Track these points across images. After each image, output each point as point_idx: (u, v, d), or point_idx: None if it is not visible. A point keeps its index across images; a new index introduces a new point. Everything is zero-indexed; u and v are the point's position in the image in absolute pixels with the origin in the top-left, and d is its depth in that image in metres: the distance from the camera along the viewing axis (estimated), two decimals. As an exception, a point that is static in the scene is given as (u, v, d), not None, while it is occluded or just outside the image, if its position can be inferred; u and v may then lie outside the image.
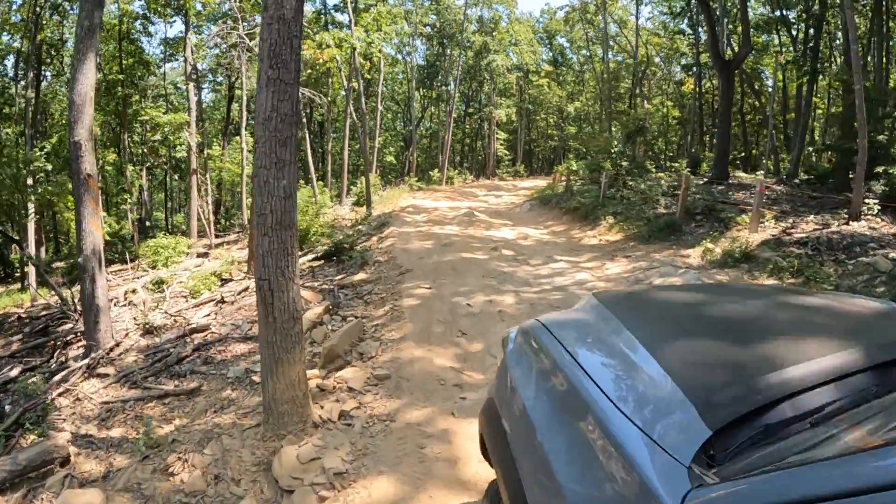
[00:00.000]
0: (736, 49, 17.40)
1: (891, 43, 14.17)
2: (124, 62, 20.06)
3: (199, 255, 14.11)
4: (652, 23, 28.27)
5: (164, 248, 13.53)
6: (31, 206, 14.98)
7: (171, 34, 35.71)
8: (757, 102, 21.76)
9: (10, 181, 13.73)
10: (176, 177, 25.83)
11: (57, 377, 5.78)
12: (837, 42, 18.80)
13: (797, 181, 13.49)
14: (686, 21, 22.40)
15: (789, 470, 0.74)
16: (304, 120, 22.08)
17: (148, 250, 13.77)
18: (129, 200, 20.99)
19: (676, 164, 16.14)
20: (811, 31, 16.26)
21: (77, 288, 7.37)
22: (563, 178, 16.29)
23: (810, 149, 18.13)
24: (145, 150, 21.61)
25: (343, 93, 21.40)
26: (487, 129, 32.02)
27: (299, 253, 9.59)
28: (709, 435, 0.86)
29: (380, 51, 20.28)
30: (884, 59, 13.87)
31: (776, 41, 20.88)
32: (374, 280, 6.96)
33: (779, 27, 19.46)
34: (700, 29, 21.19)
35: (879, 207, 8.14)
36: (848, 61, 10.72)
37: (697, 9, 19.36)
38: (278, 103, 2.75)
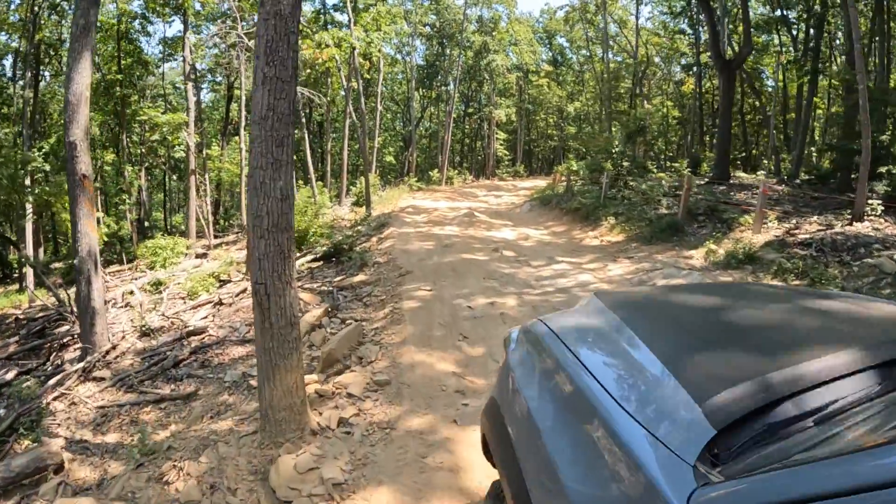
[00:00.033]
0: (736, 49, 17.35)
1: (892, 43, 14.09)
2: (123, 62, 19.98)
3: (197, 256, 14.03)
4: (652, 23, 28.24)
5: (163, 248, 13.44)
6: (28, 207, 14.90)
7: (170, 34, 35.65)
8: (757, 102, 21.69)
9: (7, 182, 13.63)
10: (175, 177, 25.74)
11: (52, 381, 5.70)
12: (837, 42, 18.76)
13: (798, 181, 13.43)
14: (686, 21, 22.35)
15: (793, 468, 0.75)
16: (304, 120, 22.00)
17: (146, 251, 13.68)
18: (127, 201, 20.92)
19: (676, 165, 16.09)
20: (812, 30, 16.21)
21: (74, 289, 7.29)
22: (564, 178, 16.21)
23: (812, 149, 18.07)
24: (144, 151, 21.53)
25: (342, 93, 21.31)
26: (487, 129, 31.96)
27: (298, 254, 9.55)
28: (713, 434, 0.87)
29: (379, 51, 20.22)
30: (886, 59, 13.79)
31: (776, 41, 20.82)
32: (374, 282, 6.88)
33: (779, 27, 19.40)
34: (700, 29, 21.15)
35: (883, 208, 8.08)
36: (851, 61, 10.65)
37: (698, 8, 19.31)
38: (275, 102, 2.67)
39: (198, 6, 20.04)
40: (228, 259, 10.50)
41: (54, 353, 7.19)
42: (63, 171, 15.15)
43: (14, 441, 4.85)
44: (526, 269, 7.19)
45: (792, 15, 18.01)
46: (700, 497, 0.77)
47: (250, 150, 2.74)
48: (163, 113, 19.17)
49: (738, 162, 20.07)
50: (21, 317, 9.49)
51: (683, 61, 25.59)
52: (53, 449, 4.11)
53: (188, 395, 4.85)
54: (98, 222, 17.97)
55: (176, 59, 23.50)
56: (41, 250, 17.88)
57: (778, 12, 18.34)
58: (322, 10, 24.22)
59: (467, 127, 35.14)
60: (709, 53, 17.18)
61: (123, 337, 6.82)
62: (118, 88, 19.48)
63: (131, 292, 8.90)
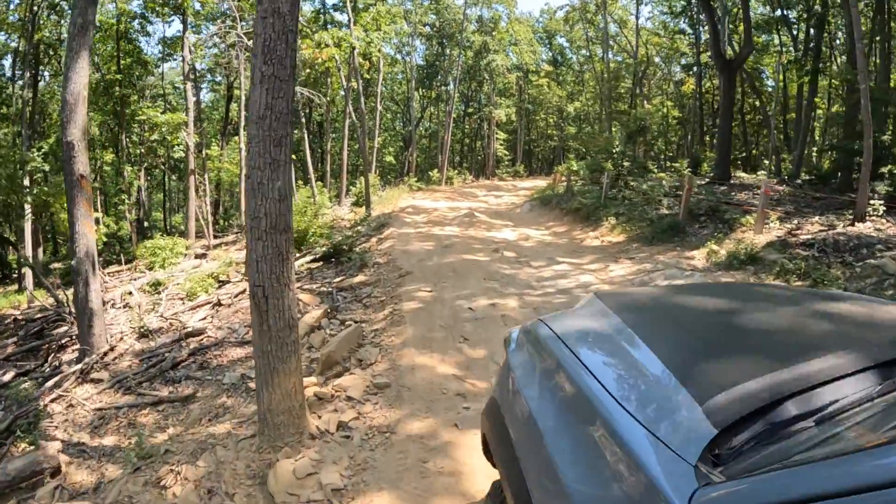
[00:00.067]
0: (737, 49, 17.31)
1: (893, 43, 14.04)
2: (122, 62, 19.93)
3: (196, 257, 13.99)
4: (652, 22, 28.19)
5: (162, 249, 13.39)
6: (27, 207, 14.85)
7: (170, 34, 35.54)
8: (757, 102, 21.65)
9: (6, 182, 13.58)
10: (174, 177, 25.70)
11: (50, 383, 5.67)
12: (838, 42, 18.73)
13: (799, 182, 13.39)
14: (686, 20, 22.31)
15: (794, 468, 0.75)
16: (303, 120, 21.97)
17: (146, 251, 13.63)
18: (126, 201, 20.87)
19: (676, 165, 16.06)
20: (812, 30, 16.17)
21: (73, 290, 7.25)
22: (564, 178, 16.17)
23: (814, 149, 18.04)
24: (143, 151, 21.49)
25: (342, 93, 21.27)
26: (487, 129, 31.92)
27: (297, 254, 9.51)
28: (715, 434, 0.87)
29: (379, 50, 20.18)
30: (886, 59, 13.75)
31: (776, 41, 20.79)
32: (374, 283, 6.84)
33: (779, 27, 19.37)
34: (700, 28, 21.11)
35: (885, 208, 8.04)
36: (852, 61, 10.62)
37: (698, 8, 19.27)
38: (273, 101, 2.62)
39: (197, 6, 20.00)
40: (227, 259, 10.46)
41: (52, 355, 7.15)
42: (62, 171, 15.11)
43: (11, 444, 4.81)
44: (527, 269, 7.15)
45: (792, 15, 17.98)
46: (701, 497, 0.77)
47: (248, 150, 2.70)
48: (162, 113, 19.13)
49: (739, 162, 20.03)
50: (20, 317, 9.45)
51: (683, 61, 25.54)
52: (50, 452, 4.08)
53: (186, 398, 4.81)
54: (97, 222, 17.95)
55: (175, 59, 23.45)
56: (40, 250, 17.83)
57: (778, 12, 18.31)
58: (322, 10, 24.20)
59: (467, 127, 35.10)
60: (709, 53, 17.15)
61: (122, 338, 6.78)
62: (117, 88, 19.44)
63: (130, 293, 8.86)
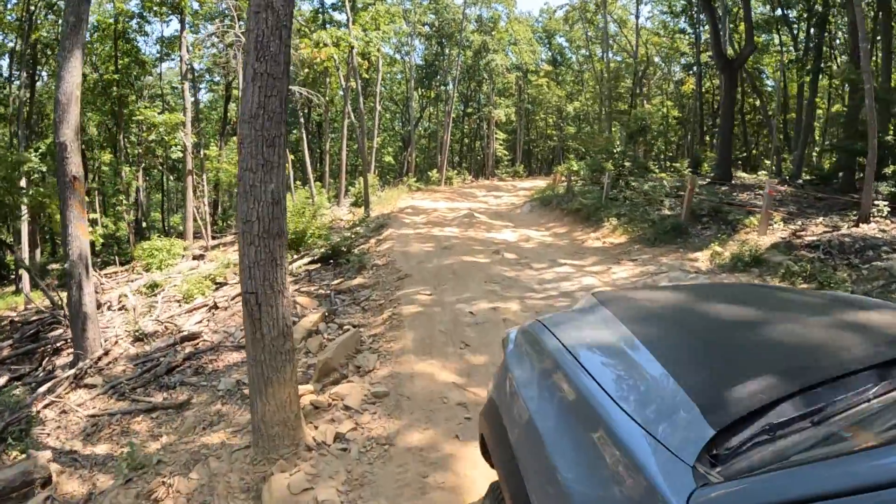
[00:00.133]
0: (737, 48, 17.23)
1: (895, 42, 13.95)
2: (120, 62, 19.82)
3: (194, 258, 13.88)
4: (652, 22, 28.10)
5: (160, 250, 13.29)
6: (23, 208, 14.72)
7: (168, 33, 35.39)
8: (757, 102, 21.57)
9: (2, 183, 13.45)
10: (172, 177, 25.57)
11: (43, 388, 5.56)
12: (838, 42, 18.65)
13: (800, 182, 13.30)
14: (686, 20, 22.23)
15: (792, 469, 0.75)
16: (302, 120, 21.87)
17: (143, 252, 13.53)
18: (124, 201, 20.75)
19: (677, 165, 15.97)
20: (812, 30, 16.09)
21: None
22: (564, 178, 16.07)
23: (816, 149, 17.97)
24: (141, 151, 21.38)
25: (341, 92, 21.17)
26: (486, 129, 31.83)
27: (295, 256, 9.40)
28: (712, 434, 0.87)
29: (378, 50, 20.08)
30: (888, 59, 13.65)
31: (776, 41, 20.70)
32: (373, 285, 6.73)
33: (780, 26, 19.29)
34: (700, 28, 21.02)
35: (889, 209, 7.94)
36: (855, 60, 10.52)
37: (698, 8, 19.18)
38: (265, 100, 2.52)
39: (195, 6, 19.89)
40: (225, 261, 10.35)
41: (47, 358, 7.05)
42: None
43: (2, 451, 4.72)
44: (528, 271, 7.04)
45: (793, 14, 17.91)
46: (699, 497, 0.77)
47: (239, 150, 2.59)
48: (160, 113, 19.02)
49: (739, 162, 19.96)
50: (16, 319, 9.38)
51: (683, 61, 25.46)
52: (41, 462, 3.98)
53: (181, 405, 4.71)
54: (95, 223, 17.85)
55: (173, 59, 23.29)
56: (38, 251, 17.70)
57: (778, 11, 18.22)
58: (320, 9, 24.08)
59: (466, 127, 35.00)
60: (709, 53, 17.06)
61: (116, 342, 6.67)
62: (115, 88, 19.33)
63: (125, 295, 8.75)
